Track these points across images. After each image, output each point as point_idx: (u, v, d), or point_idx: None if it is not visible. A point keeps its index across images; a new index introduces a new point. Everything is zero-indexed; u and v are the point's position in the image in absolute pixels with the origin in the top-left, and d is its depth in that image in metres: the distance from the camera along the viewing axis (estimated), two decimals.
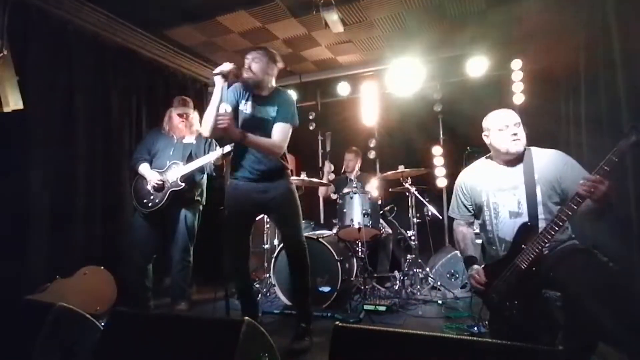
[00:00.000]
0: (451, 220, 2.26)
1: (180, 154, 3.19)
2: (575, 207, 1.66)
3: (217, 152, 3.08)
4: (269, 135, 2.34)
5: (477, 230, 2.28)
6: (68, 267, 2.92)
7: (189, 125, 3.26)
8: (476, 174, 2.13)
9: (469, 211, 2.15)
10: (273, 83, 2.46)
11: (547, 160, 1.93)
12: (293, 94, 5.15)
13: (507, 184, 1.99)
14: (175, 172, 3.09)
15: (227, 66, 2.24)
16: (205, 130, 2.29)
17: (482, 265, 1.98)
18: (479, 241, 2.24)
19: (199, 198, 3.32)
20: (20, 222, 2.85)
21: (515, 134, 1.94)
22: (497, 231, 2.00)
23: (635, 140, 1.55)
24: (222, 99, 2.23)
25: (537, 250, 1.74)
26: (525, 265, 1.76)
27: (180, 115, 3.22)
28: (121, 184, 3.61)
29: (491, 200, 2.02)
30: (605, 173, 1.59)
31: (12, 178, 2.80)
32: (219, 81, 2.23)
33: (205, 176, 3.36)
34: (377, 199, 3.70)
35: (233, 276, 2.48)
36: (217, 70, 2.23)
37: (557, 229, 1.70)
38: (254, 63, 2.35)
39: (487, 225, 2.05)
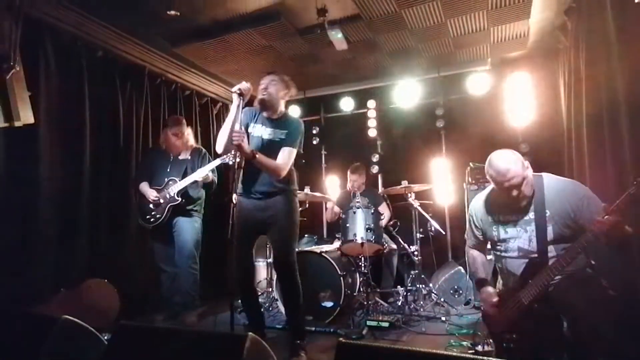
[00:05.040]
0: (454, 235, 2.28)
1: (176, 170, 3.36)
2: (585, 245, 1.66)
3: (206, 168, 3.23)
4: (277, 155, 2.41)
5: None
6: (72, 280, 2.93)
7: (184, 142, 3.45)
8: (487, 205, 2.09)
9: (482, 239, 2.16)
10: (283, 107, 2.56)
11: (560, 194, 1.85)
12: (297, 110, 5.23)
13: (517, 219, 1.94)
14: (173, 188, 3.24)
15: (245, 85, 2.29)
16: (219, 146, 2.36)
17: (496, 290, 2.00)
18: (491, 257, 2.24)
19: (197, 208, 3.43)
20: (26, 235, 2.87)
21: (514, 195, 1.86)
22: (507, 264, 2.00)
23: (635, 194, 1.55)
24: (238, 117, 2.26)
25: (541, 286, 1.74)
26: (527, 301, 1.77)
27: (175, 134, 3.41)
28: (127, 197, 3.64)
29: (502, 236, 2.00)
30: (619, 215, 1.58)
31: (20, 190, 2.84)
32: (236, 99, 2.27)
33: (203, 190, 3.47)
34: (385, 217, 3.70)
35: (237, 289, 2.51)
36: (236, 87, 2.27)
37: (564, 265, 1.70)
38: (271, 85, 2.44)
39: (498, 257, 2.07)
